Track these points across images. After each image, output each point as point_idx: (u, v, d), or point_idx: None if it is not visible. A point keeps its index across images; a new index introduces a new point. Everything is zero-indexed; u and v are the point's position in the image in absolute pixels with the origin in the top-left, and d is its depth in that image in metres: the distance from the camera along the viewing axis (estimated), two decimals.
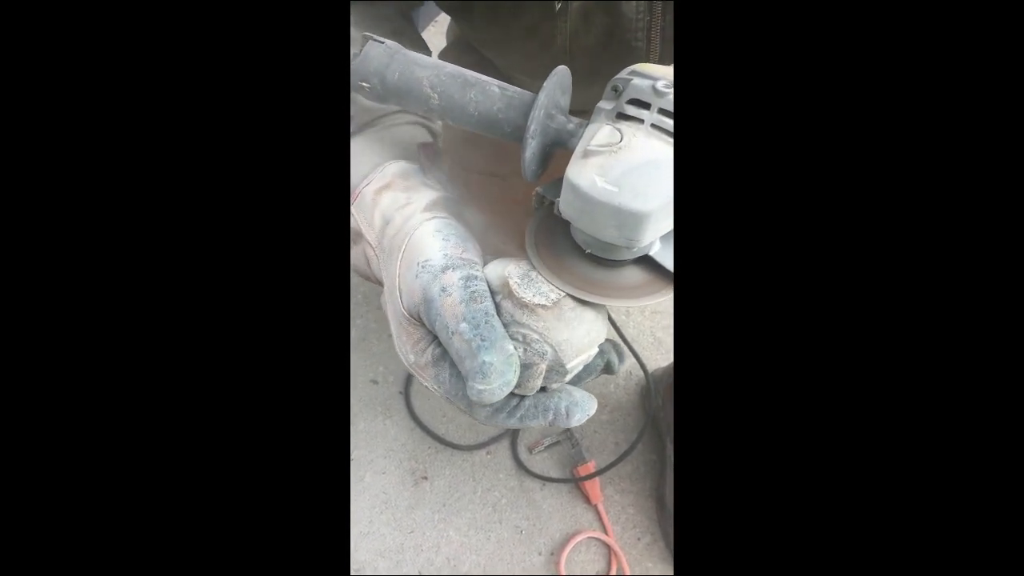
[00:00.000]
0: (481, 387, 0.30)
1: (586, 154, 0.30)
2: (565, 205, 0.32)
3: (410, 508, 0.77)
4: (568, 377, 0.34)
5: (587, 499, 0.78)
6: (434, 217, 0.36)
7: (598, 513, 0.77)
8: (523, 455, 0.82)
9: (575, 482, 0.79)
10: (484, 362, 0.30)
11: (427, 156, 0.42)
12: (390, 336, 0.91)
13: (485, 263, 0.35)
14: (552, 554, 0.75)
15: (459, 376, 0.32)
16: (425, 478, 0.79)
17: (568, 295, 0.32)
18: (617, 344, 0.37)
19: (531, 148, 0.33)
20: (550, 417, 0.33)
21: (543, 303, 0.32)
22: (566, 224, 0.33)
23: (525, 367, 0.32)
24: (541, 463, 0.81)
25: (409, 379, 0.86)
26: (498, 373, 0.30)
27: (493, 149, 0.57)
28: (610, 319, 0.68)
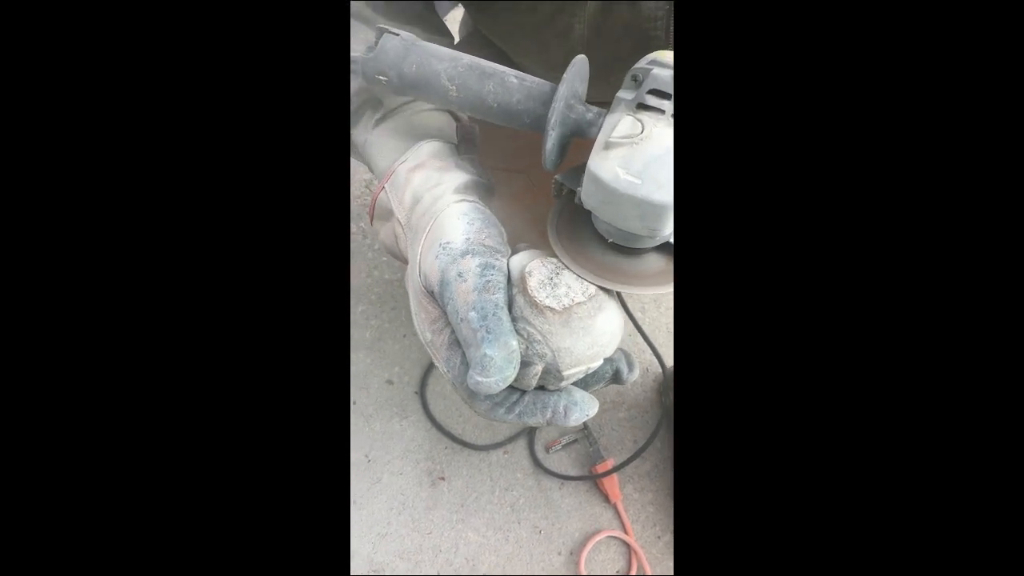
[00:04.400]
0: (480, 379, 0.30)
1: (607, 146, 0.30)
2: (587, 196, 0.31)
3: (428, 509, 0.76)
4: (565, 383, 0.34)
5: (606, 498, 0.77)
6: (463, 200, 0.36)
7: (617, 512, 0.76)
8: (540, 454, 0.81)
9: (593, 480, 0.78)
10: (485, 355, 0.30)
11: (464, 137, 0.42)
12: (404, 336, 0.91)
13: (515, 251, 0.35)
14: (571, 554, 0.75)
15: (467, 365, 0.33)
16: (442, 478, 0.79)
17: (591, 297, 0.32)
18: (629, 355, 0.37)
19: (552, 139, 0.33)
20: (548, 415, 0.33)
21: (553, 306, 0.32)
22: (587, 212, 0.33)
23: (523, 364, 0.32)
24: (559, 462, 0.81)
25: (424, 379, 0.86)
26: (497, 368, 0.30)
27: (510, 144, 0.56)
28: (628, 314, 0.67)
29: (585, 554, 0.73)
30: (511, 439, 0.82)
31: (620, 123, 0.30)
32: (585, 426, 0.82)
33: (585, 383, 0.37)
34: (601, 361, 0.34)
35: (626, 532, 0.75)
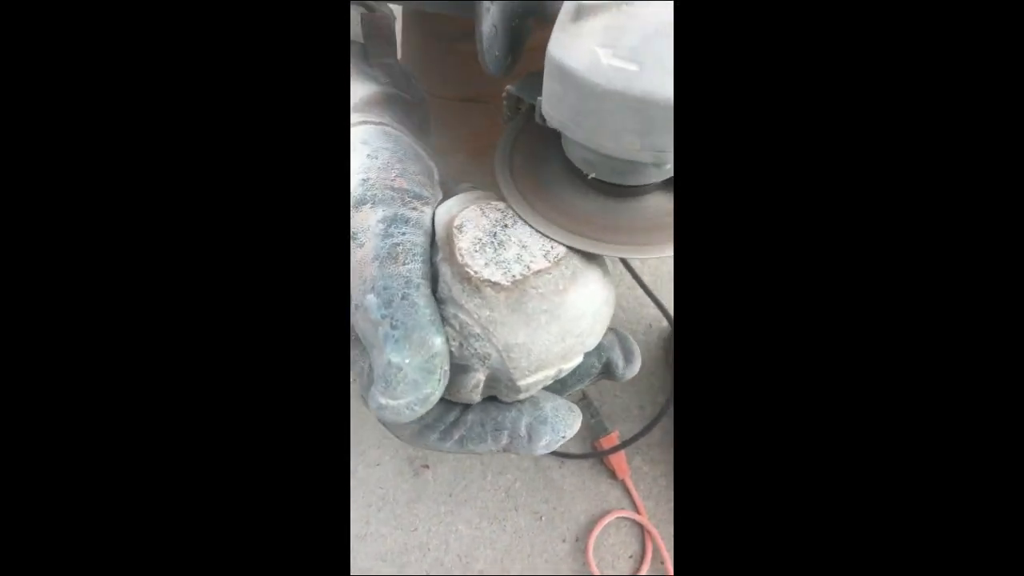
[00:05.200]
0: (384, 400, 0.20)
1: (579, 14, 0.18)
2: (551, 103, 0.19)
3: (411, 502, 0.68)
4: (524, 395, 0.23)
5: (613, 474, 0.69)
6: (364, 122, 0.24)
7: (626, 489, 0.68)
8: None
9: (598, 457, 0.69)
10: (390, 363, 0.19)
11: (376, 34, 0.29)
12: None
13: (448, 196, 0.24)
14: (578, 540, 0.67)
15: None
16: (426, 466, 0.70)
17: (558, 261, 0.20)
18: (625, 338, 0.26)
19: (490, 18, 0.20)
20: (503, 441, 0.23)
21: (496, 280, 0.20)
22: (556, 136, 0.21)
23: (456, 371, 0.21)
24: None
25: None
26: (409, 384, 0.19)
27: (469, 66, 0.44)
28: (626, 265, 0.55)
29: (593, 539, 0.65)
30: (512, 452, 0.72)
31: None
32: (584, 395, 0.72)
33: (561, 383, 0.26)
34: (579, 359, 0.23)
35: (638, 511, 0.67)
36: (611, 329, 0.25)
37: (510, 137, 0.24)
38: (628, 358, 0.26)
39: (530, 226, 0.22)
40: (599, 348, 0.25)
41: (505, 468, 0.70)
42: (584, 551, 0.65)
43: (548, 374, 0.22)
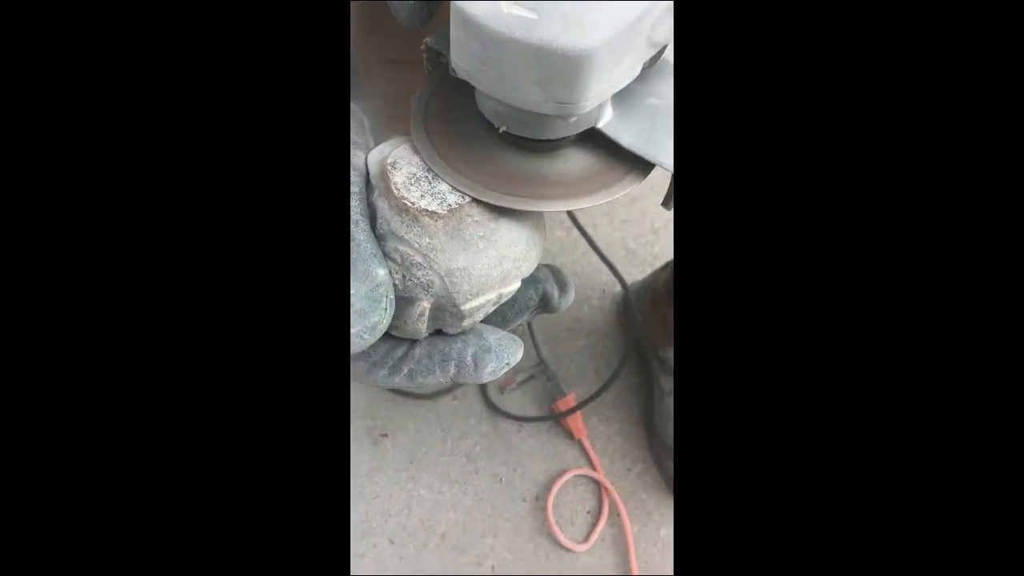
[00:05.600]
0: None
1: None
2: (458, 52, 0.20)
3: (372, 471, 0.69)
4: (469, 322, 0.24)
5: (570, 434, 0.70)
6: None
7: (583, 448, 0.70)
8: (494, 396, 0.73)
9: (555, 419, 0.71)
10: None
11: None
12: None
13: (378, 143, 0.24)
14: (537, 499, 0.69)
15: None
16: (385, 435, 0.71)
17: (477, 200, 0.21)
18: (558, 271, 0.27)
19: None
20: (451, 371, 0.24)
21: (433, 209, 0.21)
22: (471, 91, 0.22)
23: (401, 303, 0.22)
24: (515, 402, 0.73)
25: None
26: (357, 314, 0.20)
27: (402, 29, 0.43)
28: (579, 228, 0.56)
29: (552, 497, 0.67)
30: (459, 383, 0.73)
31: None
32: (541, 359, 0.73)
33: (502, 316, 0.27)
34: (517, 284, 0.24)
35: (594, 468, 0.69)
36: (547, 265, 0.26)
37: (426, 91, 0.25)
38: (563, 289, 0.27)
39: (444, 181, 0.22)
40: (535, 280, 0.26)
41: (465, 433, 0.71)
42: (544, 509, 0.67)
43: (489, 298, 0.23)
